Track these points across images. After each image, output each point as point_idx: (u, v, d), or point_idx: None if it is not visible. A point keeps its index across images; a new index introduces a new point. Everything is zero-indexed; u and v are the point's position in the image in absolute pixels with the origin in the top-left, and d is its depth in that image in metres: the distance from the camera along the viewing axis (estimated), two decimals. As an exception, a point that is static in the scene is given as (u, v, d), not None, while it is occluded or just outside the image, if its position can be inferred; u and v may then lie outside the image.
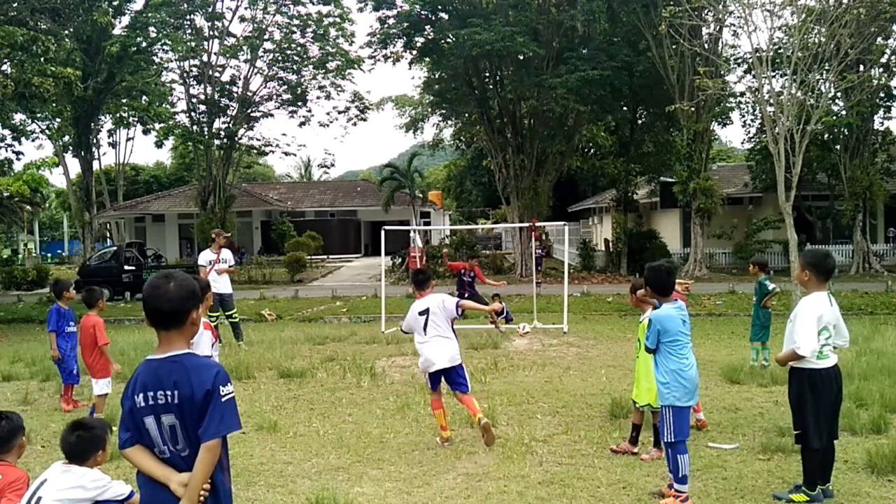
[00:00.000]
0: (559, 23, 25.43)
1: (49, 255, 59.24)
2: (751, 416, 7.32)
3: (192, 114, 30.71)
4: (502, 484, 5.46)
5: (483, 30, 23.49)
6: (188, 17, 28.94)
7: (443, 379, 6.64)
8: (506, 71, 27.37)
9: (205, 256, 11.96)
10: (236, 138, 31.20)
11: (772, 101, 17.44)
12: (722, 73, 25.16)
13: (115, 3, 28.54)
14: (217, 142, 30.53)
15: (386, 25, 27.02)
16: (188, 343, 2.94)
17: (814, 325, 4.91)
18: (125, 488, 3.72)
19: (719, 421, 7.17)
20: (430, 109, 37.16)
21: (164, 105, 33.91)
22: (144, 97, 34.13)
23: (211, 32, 29.91)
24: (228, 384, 2.84)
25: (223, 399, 2.80)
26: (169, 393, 2.79)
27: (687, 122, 24.91)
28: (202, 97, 30.36)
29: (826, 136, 26.84)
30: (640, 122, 30.78)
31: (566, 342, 12.74)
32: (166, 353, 2.87)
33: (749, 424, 7.04)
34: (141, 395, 2.84)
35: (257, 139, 33.50)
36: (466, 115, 30.65)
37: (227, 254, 12.00)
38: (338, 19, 30.29)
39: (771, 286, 10.11)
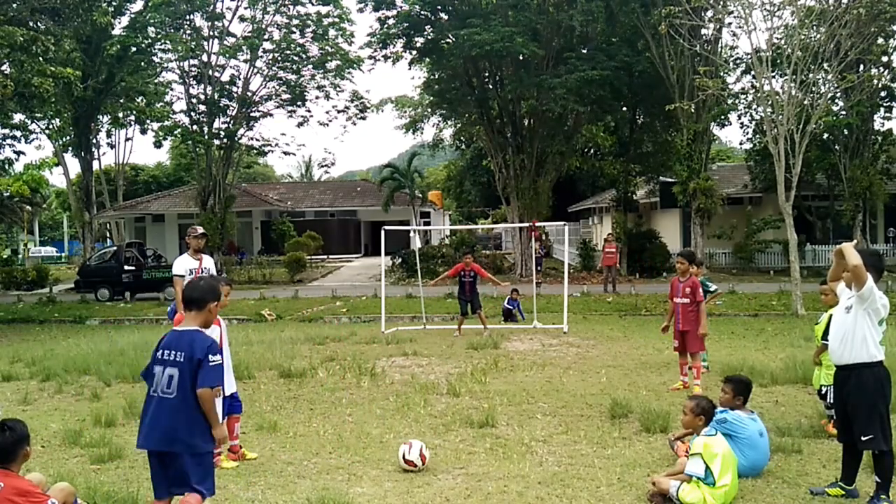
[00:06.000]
0: (558, 23, 25.43)
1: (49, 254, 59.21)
2: (751, 416, 7.31)
3: (192, 114, 30.69)
4: (502, 484, 5.46)
5: (482, 30, 23.49)
6: (188, 17, 28.92)
7: None
8: (505, 71, 27.36)
9: (183, 265, 8.47)
10: (236, 138, 31.20)
11: (771, 101, 17.44)
12: (722, 73, 25.14)
13: (114, 4, 28.55)
14: (217, 142, 30.52)
15: (386, 26, 27.02)
16: (201, 324, 4.30)
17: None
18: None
19: (719, 421, 7.17)
20: (429, 110, 37.15)
21: (161, 105, 33.94)
22: (142, 97, 34.18)
23: (211, 32, 29.88)
24: (218, 355, 4.17)
25: (210, 364, 4.10)
26: (177, 353, 4.12)
27: (687, 122, 24.89)
28: (202, 97, 30.34)
29: (826, 136, 26.83)
30: (639, 122, 30.75)
31: (566, 342, 12.73)
32: (184, 328, 4.27)
33: (749, 424, 7.03)
34: (161, 351, 4.19)
35: (257, 139, 33.56)
36: (466, 115, 30.63)
37: (209, 261, 8.68)
38: (337, 19, 30.30)
39: (712, 287, 10.33)
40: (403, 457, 5.80)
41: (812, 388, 7.37)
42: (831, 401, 6.20)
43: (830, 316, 6.21)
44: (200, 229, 8.73)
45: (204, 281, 4.44)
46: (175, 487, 4.14)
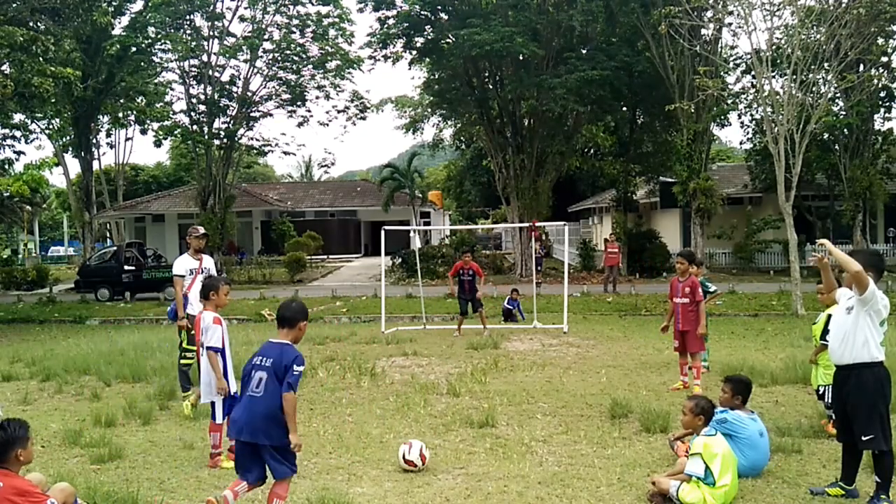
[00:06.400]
0: (558, 23, 25.44)
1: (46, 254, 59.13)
2: (751, 416, 7.30)
3: (192, 114, 30.68)
4: (502, 484, 5.46)
5: (482, 30, 23.49)
6: (188, 17, 28.91)
7: None
8: (505, 71, 27.36)
9: (183, 265, 8.41)
10: (236, 138, 31.19)
11: (771, 101, 17.44)
12: (722, 73, 25.12)
13: (115, 4, 28.54)
14: (217, 142, 30.51)
15: (386, 26, 27.02)
16: (292, 340, 4.71)
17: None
18: None
19: (719, 421, 7.16)
20: (429, 110, 37.14)
21: (161, 105, 33.94)
22: (142, 97, 34.18)
23: (211, 32, 29.88)
24: (301, 366, 4.60)
25: (294, 373, 4.55)
26: (267, 359, 4.62)
27: (687, 122, 24.89)
28: (202, 97, 30.33)
29: (826, 136, 26.82)
30: (639, 122, 30.74)
31: (566, 342, 12.73)
32: (278, 340, 4.70)
33: (749, 424, 7.02)
34: (256, 358, 4.69)
35: (257, 139, 33.56)
36: (466, 115, 30.62)
37: (209, 261, 8.63)
38: (337, 19, 30.31)
39: (712, 287, 10.32)
40: (403, 457, 5.80)
41: (812, 387, 7.38)
42: (829, 401, 6.20)
43: (829, 316, 6.21)
44: (201, 229, 8.74)
45: (296, 303, 4.86)
46: (272, 469, 4.71)
